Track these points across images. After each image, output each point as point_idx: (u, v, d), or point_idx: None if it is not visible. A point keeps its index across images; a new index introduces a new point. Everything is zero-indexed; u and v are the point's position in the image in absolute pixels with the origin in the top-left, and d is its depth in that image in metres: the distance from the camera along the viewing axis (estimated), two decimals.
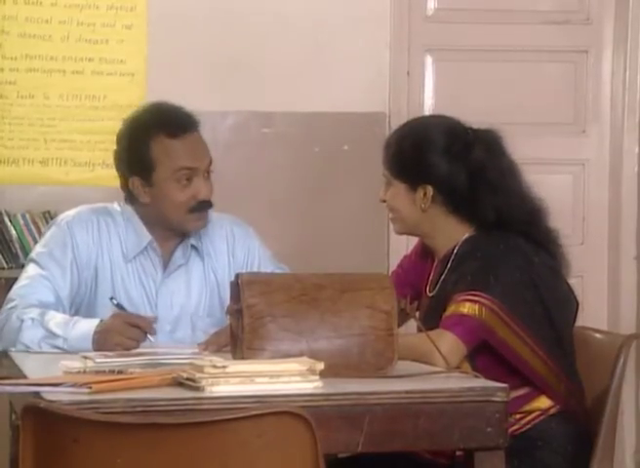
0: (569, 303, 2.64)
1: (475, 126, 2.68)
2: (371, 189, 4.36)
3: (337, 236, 4.31)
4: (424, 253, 2.75)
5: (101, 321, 2.61)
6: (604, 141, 4.53)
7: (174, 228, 2.80)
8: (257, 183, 4.27)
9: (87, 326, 2.60)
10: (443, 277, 2.63)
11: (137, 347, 2.54)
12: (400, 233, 2.76)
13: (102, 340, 2.56)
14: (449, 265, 2.62)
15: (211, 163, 2.80)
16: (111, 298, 2.72)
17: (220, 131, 4.21)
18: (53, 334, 2.61)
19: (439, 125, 2.68)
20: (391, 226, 4.28)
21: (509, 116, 4.20)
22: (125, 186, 2.81)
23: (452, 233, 2.64)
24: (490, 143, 2.65)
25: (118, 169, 2.83)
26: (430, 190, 2.62)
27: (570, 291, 2.65)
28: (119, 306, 2.70)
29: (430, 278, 2.69)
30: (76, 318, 2.67)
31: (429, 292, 2.67)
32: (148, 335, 2.58)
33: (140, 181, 2.76)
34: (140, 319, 2.61)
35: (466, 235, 2.63)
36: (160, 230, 2.81)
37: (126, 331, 2.55)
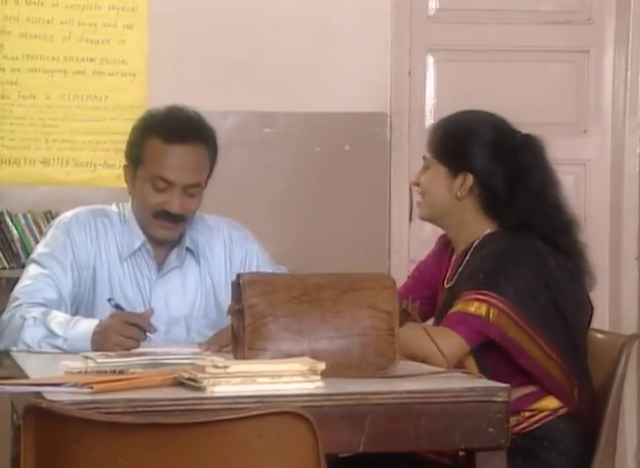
0: (583, 308, 2.62)
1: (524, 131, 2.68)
2: (372, 189, 4.38)
3: (338, 236, 4.31)
4: (443, 250, 2.75)
5: (101, 321, 2.61)
6: (605, 141, 4.53)
7: (144, 231, 2.81)
8: (258, 183, 4.27)
9: (87, 326, 2.61)
10: (460, 269, 2.63)
11: (137, 346, 2.54)
12: (424, 219, 2.73)
13: (102, 341, 2.56)
14: (467, 258, 2.62)
15: (196, 185, 2.75)
16: (109, 300, 2.73)
17: (221, 131, 4.15)
18: (53, 334, 2.62)
19: (489, 121, 2.67)
20: (392, 227, 4.35)
21: (511, 116, 4.17)
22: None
23: (476, 228, 2.63)
24: (536, 150, 2.65)
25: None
26: (470, 179, 2.61)
27: (585, 295, 2.63)
28: (117, 307, 2.70)
29: (449, 272, 2.69)
30: (77, 318, 2.67)
31: (447, 283, 2.67)
32: (148, 334, 2.58)
33: (130, 170, 2.81)
34: (139, 317, 2.61)
35: (488, 231, 2.63)
36: None
37: (125, 330, 2.55)
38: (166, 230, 2.78)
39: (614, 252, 4.51)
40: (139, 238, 2.81)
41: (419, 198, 2.71)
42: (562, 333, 2.55)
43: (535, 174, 2.61)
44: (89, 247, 2.80)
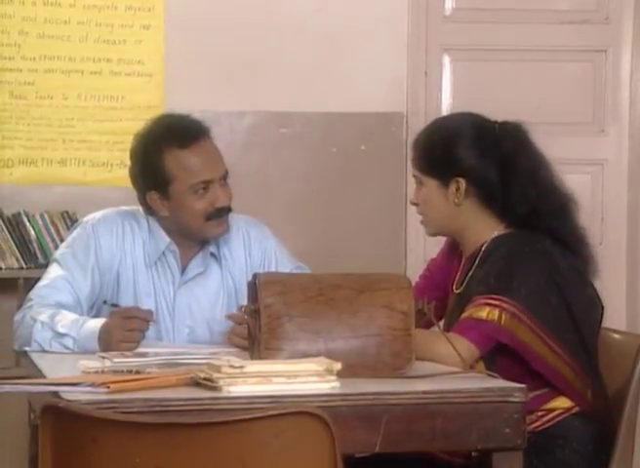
0: (594, 307, 2.61)
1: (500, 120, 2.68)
2: (388, 189, 4.38)
3: (354, 236, 4.31)
4: (452, 252, 2.74)
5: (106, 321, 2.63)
6: (623, 141, 4.51)
7: (195, 236, 2.81)
8: (274, 183, 4.28)
9: (93, 325, 2.61)
10: (470, 274, 2.62)
11: (142, 338, 2.56)
12: (432, 234, 2.73)
13: (107, 339, 2.57)
14: (476, 262, 2.61)
15: (227, 173, 2.79)
16: (104, 302, 2.73)
17: (238, 131, 4.21)
18: (62, 335, 2.62)
19: (465, 121, 2.67)
20: (408, 226, 4.34)
21: (528, 116, 4.12)
22: (143, 200, 2.80)
23: (482, 229, 2.62)
24: (517, 135, 2.65)
25: (134, 184, 2.81)
26: (463, 183, 2.60)
27: (595, 294, 2.62)
28: (114, 305, 2.70)
29: (457, 276, 2.69)
30: (84, 318, 2.67)
31: (456, 289, 2.67)
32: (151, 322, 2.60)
33: (158, 195, 2.76)
34: (137, 309, 2.64)
35: (495, 233, 2.62)
36: (180, 238, 2.81)
37: (125, 324, 2.56)
38: (220, 226, 2.78)
39: (631, 252, 4.49)
40: (163, 241, 2.81)
41: (421, 217, 2.71)
42: (573, 334, 2.54)
43: (522, 158, 2.61)
44: (114, 249, 2.79)
